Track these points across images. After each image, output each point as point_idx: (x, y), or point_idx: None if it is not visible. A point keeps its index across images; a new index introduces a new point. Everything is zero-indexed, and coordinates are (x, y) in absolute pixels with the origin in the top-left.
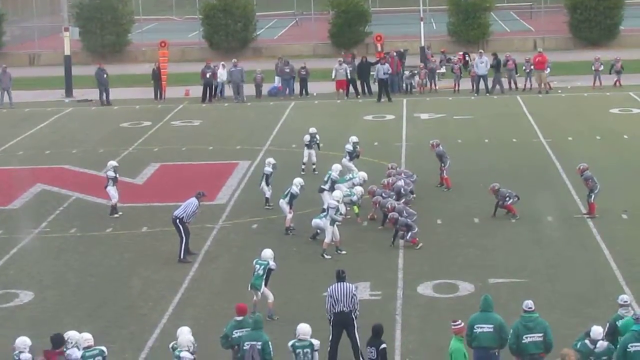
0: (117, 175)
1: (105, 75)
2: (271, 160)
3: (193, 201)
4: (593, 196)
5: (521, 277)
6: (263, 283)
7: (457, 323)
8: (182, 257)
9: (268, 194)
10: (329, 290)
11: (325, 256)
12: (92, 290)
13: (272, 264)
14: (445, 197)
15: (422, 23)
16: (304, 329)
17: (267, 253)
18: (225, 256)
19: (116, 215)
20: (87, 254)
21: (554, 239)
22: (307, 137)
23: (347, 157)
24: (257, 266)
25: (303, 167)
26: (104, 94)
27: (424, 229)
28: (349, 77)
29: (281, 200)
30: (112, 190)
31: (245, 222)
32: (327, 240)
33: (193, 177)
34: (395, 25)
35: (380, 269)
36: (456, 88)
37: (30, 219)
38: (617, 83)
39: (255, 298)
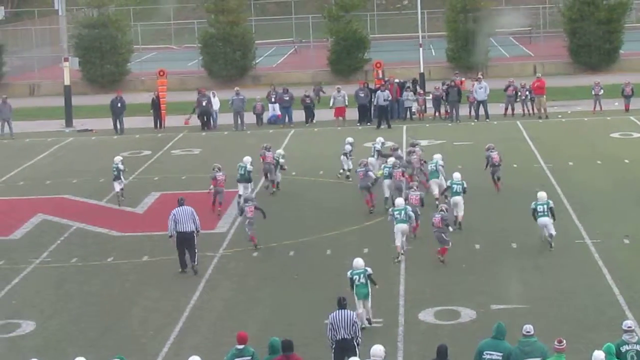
0: (124, 169)
1: (119, 104)
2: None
3: (187, 209)
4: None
5: (523, 303)
6: (369, 290)
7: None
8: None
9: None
10: (330, 317)
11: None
12: (94, 319)
13: (369, 269)
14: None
15: (421, 49)
16: None
17: (360, 262)
18: (226, 284)
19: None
20: (88, 283)
21: (555, 265)
22: (347, 147)
23: (375, 156)
24: (356, 277)
25: (345, 173)
26: (118, 123)
27: (426, 255)
28: (347, 104)
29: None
30: (119, 184)
31: (246, 250)
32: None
33: (193, 205)
34: (394, 52)
35: (382, 295)
36: (436, 115)
37: (31, 249)
38: (627, 107)
39: (360, 310)
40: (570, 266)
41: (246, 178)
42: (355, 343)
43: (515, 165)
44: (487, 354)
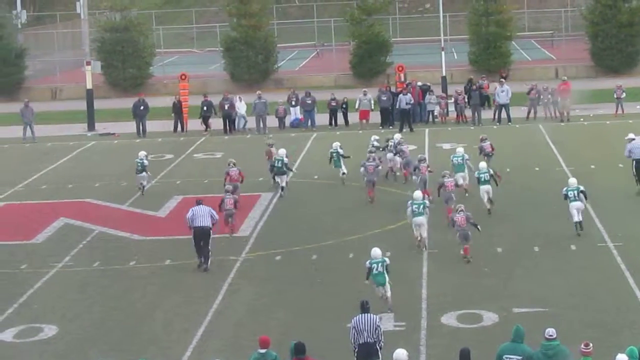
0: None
1: (142, 107)
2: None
3: (205, 208)
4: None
5: (545, 306)
6: (387, 278)
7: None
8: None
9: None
10: (353, 321)
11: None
12: (116, 323)
13: (387, 259)
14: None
15: (443, 53)
16: None
17: (378, 251)
18: (249, 288)
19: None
20: (110, 287)
21: (577, 267)
22: (392, 141)
23: (393, 152)
24: (375, 265)
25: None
26: (140, 126)
27: (447, 260)
28: (372, 107)
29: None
30: (143, 177)
31: (269, 254)
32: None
33: (215, 209)
34: (416, 55)
35: (404, 299)
36: (461, 119)
37: (53, 253)
38: None
39: (381, 294)
40: (592, 269)
41: (282, 171)
42: (378, 347)
43: (537, 169)
44: (506, 357)
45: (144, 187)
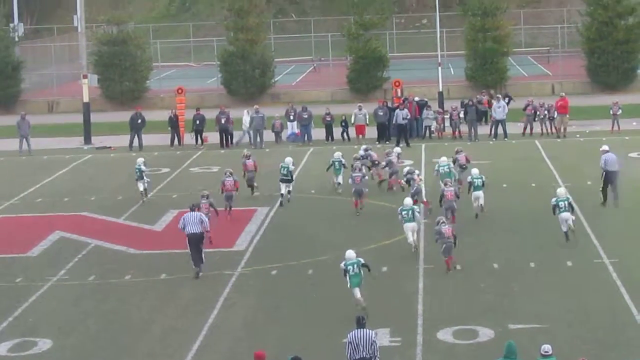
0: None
1: (139, 121)
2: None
3: (196, 214)
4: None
5: (541, 322)
6: (362, 279)
7: None
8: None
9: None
10: (349, 336)
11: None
12: (111, 338)
13: (362, 259)
14: (463, 243)
15: (440, 68)
16: None
17: (352, 253)
18: (245, 303)
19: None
20: (105, 301)
21: (573, 284)
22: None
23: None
24: (350, 267)
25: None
26: (137, 139)
27: (443, 275)
28: (368, 122)
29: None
30: (142, 184)
31: (265, 269)
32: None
33: (212, 223)
34: (413, 71)
35: (400, 314)
36: (455, 134)
37: (49, 266)
38: None
39: (358, 295)
40: (588, 285)
41: (287, 178)
42: None
43: (533, 185)
44: None
45: (144, 193)
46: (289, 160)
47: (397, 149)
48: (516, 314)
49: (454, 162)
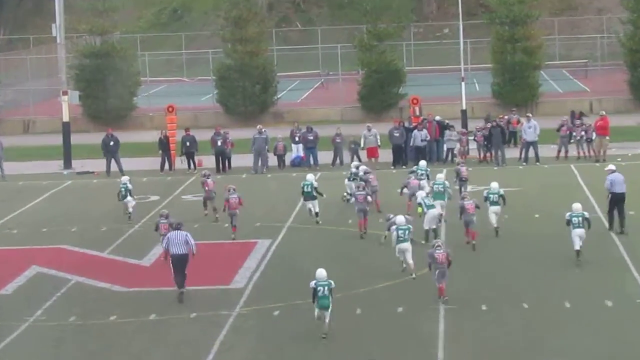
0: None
1: (111, 143)
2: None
3: (181, 233)
4: None
5: None
6: (330, 302)
7: None
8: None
9: None
10: None
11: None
12: None
13: (332, 283)
14: (491, 283)
15: (463, 84)
16: None
17: (323, 272)
18: (243, 346)
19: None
20: (88, 344)
21: (614, 325)
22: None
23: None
24: (320, 288)
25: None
26: (113, 164)
27: (467, 315)
28: (380, 143)
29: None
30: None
31: (266, 308)
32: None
33: (207, 257)
34: (433, 87)
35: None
36: (480, 157)
37: (25, 305)
38: None
39: (319, 317)
40: (631, 326)
41: (312, 195)
42: None
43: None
44: None
45: (130, 213)
46: (310, 177)
47: (363, 166)
48: (548, 357)
49: (457, 174)
